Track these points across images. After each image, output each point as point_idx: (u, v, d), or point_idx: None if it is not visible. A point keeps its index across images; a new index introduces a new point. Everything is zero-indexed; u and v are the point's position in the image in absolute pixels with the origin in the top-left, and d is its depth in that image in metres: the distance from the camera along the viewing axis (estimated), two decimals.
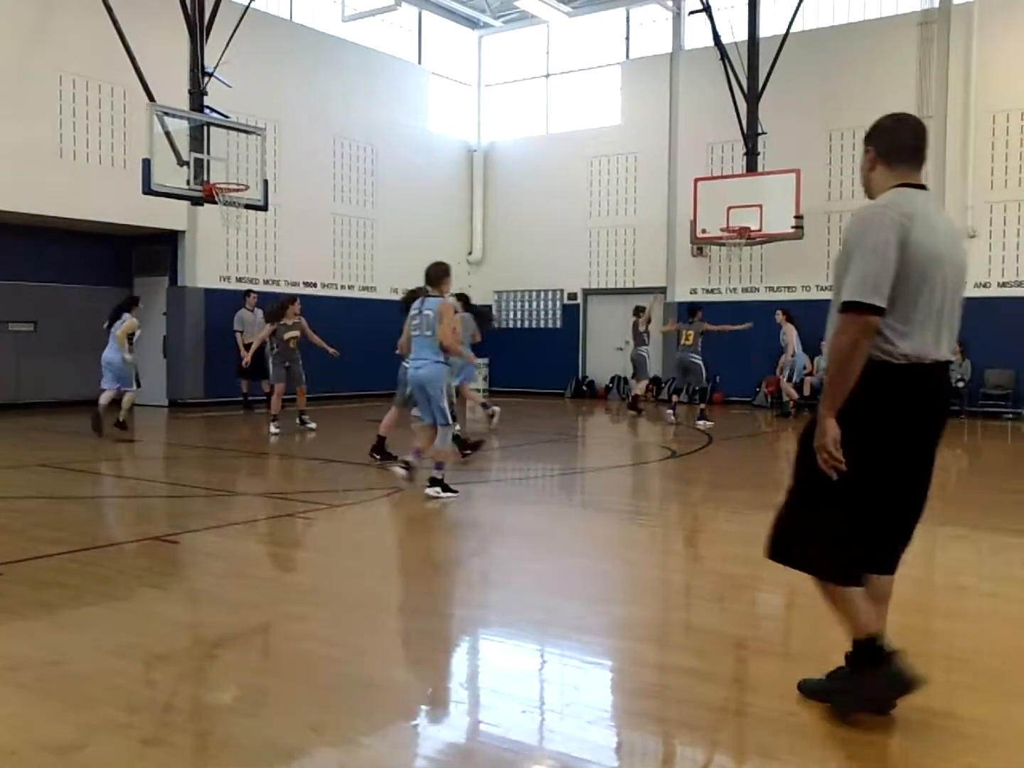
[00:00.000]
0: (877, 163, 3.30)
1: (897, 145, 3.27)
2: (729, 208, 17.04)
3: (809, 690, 3.48)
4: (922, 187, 3.25)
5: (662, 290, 20.24)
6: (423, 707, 3.56)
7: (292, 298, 13.18)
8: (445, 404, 7.68)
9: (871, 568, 3.35)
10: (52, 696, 3.51)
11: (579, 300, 21.45)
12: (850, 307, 3.08)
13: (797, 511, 3.34)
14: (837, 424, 3.13)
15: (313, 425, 13.09)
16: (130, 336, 11.75)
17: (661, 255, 20.27)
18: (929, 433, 3.30)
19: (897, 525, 3.35)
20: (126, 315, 11.82)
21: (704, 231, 17.57)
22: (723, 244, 17.66)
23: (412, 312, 8.08)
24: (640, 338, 16.33)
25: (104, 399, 11.75)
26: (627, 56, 20.94)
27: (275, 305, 13.08)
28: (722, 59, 17.19)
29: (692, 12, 18.76)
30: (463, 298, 12.34)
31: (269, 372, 13.31)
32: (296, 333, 12.81)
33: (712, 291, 19.40)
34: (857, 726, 3.31)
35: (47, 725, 3.24)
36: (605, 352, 21.15)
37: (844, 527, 3.22)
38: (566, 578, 5.58)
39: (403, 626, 4.57)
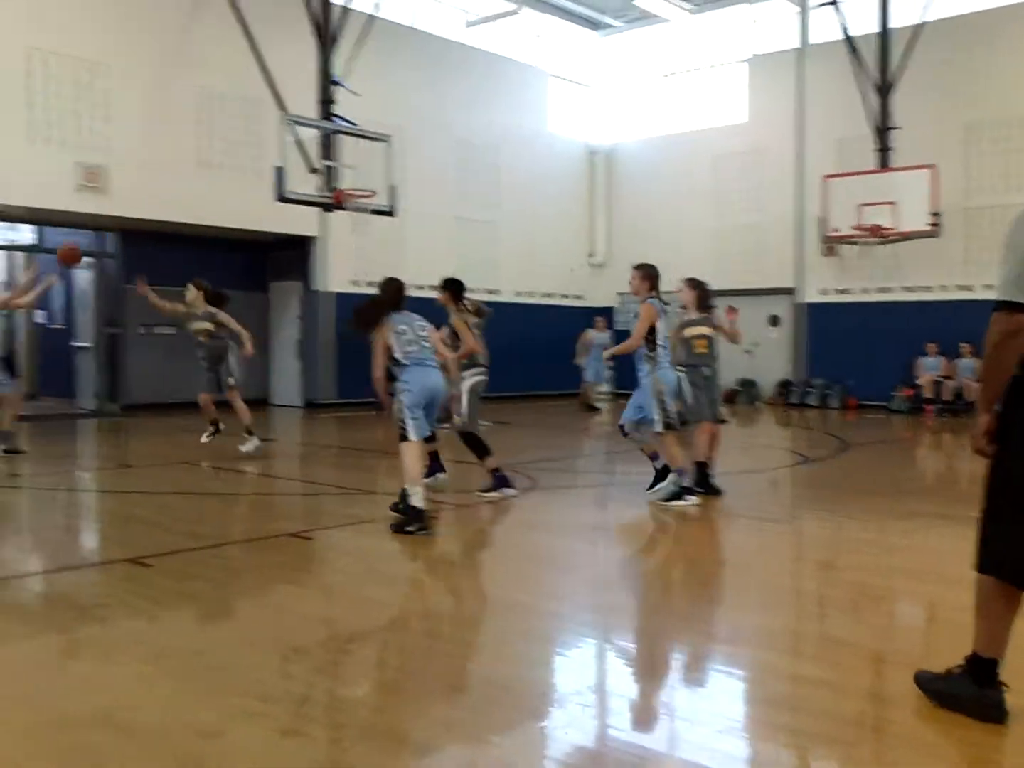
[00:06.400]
0: None
1: None
2: (861, 205, 16.53)
3: (922, 682, 3.45)
4: None
5: (790, 292, 19.78)
6: (551, 708, 3.57)
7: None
8: None
9: None
10: (197, 684, 3.68)
11: None
12: (997, 306, 3.11)
13: (983, 515, 3.32)
14: (1004, 418, 3.19)
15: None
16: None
17: (789, 255, 19.79)
18: None
19: None
20: None
21: (835, 229, 17.10)
22: (855, 243, 17.15)
23: None
24: None
25: None
26: (753, 52, 20.54)
27: None
28: (852, 52, 16.68)
29: (819, 5, 18.27)
30: None
31: None
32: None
33: (844, 291, 18.85)
34: (999, 751, 3.16)
35: (193, 710, 3.39)
36: (731, 355, 20.71)
37: (1012, 527, 3.18)
38: (696, 584, 5.51)
39: (533, 626, 4.60)
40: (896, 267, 18.25)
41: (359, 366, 15.11)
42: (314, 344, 17.44)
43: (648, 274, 7.79)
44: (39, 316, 18.63)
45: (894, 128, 16.79)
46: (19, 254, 18.44)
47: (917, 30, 16.31)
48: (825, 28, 18.86)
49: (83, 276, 17.00)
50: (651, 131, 22.13)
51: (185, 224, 15.46)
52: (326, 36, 14.05)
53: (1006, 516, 3.21)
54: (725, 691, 3.85)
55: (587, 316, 21.04)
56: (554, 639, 4.48)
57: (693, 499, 7.63)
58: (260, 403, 17.57)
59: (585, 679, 3.98)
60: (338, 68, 14.03)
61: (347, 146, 13.79)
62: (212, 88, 15.52)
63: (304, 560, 6.02)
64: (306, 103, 14.05)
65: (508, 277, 20.47)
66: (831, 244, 18.33)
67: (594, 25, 22.43)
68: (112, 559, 5.76)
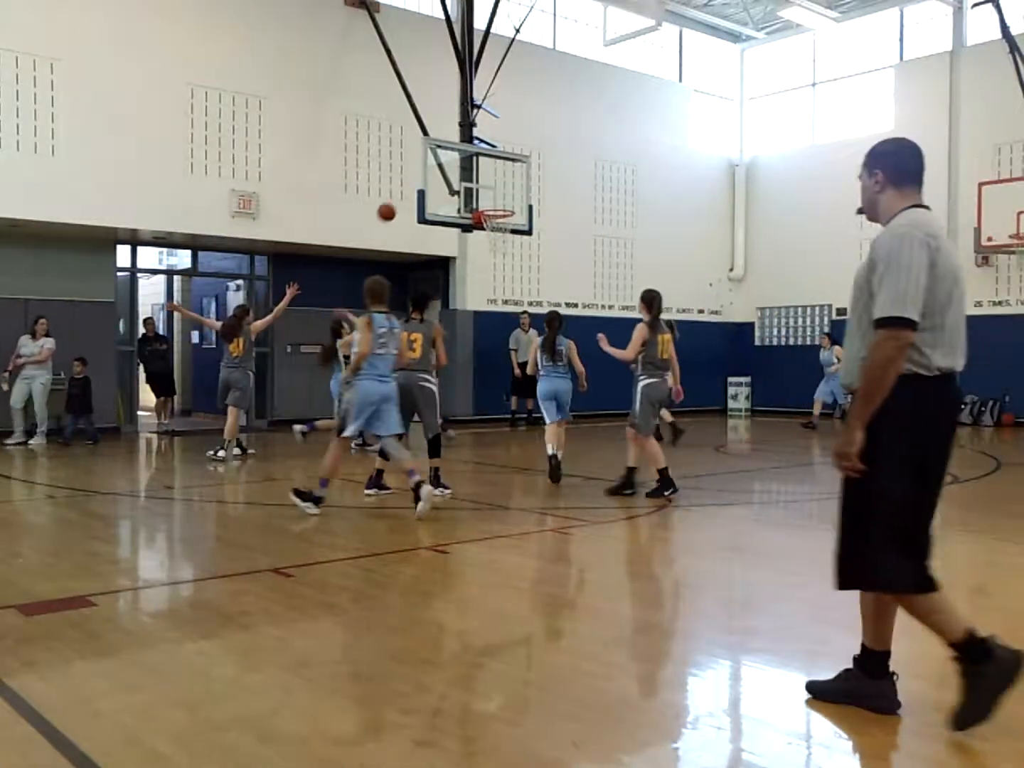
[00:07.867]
0: (887, 186, 3.46)
1: (903, 168, 3.47)
2: (1020, 213, 15.72)
3: (816, 689, 3.72)
4: (927, 208, 3.44)
5: None
6: (684, 730, 3.51)
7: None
8: None
9: None
10: (336, 693, 3.78)
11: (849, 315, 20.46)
12: (886, 323, 3.24)
13: (858, 533, 3.45)
14: (876, 435, 3.27)
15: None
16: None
17: None
18: (954, 437, 3.50)
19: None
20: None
21: (990, 239, 16.36)
22: (1012, 252, 16.31)
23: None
24: None
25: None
26: (901, 58, 19.84)
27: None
28: (1011, 52, 15.91)
29: (976, 4, 17.50)
30: None
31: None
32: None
33: (999, 303, 17.92)
34: None
35: (333, 719, 3.49)
36: None
37: (911, 536, 3.35)
38: (837, 607, 5.30)
39: (664, 647, 4.54)
40: None
41: (494, 384, 15.26)
42: (452, 361, 17.70)
43: (369, 289, 8.00)
44: (193, 336, 19.61)
45: None
46: (177, 278, 19.55)
47: None
48: (982, 28, 18.11)
49: (234, 299, 17.82)
50: (792, 143, 21.66)
51: (331, 247, 16.02)
52: (468, 60, 14.32)
53: (908, 532, 3.33)
54: (866, 719, 3.69)
55: (725, 331, 20.72)
56: (688, 660, 4.40)
57: (313, 508, 7.71)
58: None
59: (720, 702, 3.90)
60: (479, 91, 14.28)
61: (485, 167, 14.02)
62: (357, 115, 16.07)
63: (440, 573, 6.12)
64: (446, 126, 14.36)
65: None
66: (986, 254, 17.50)
67: (735, 38, 22.13)
68: (257, 569, 5.99)
